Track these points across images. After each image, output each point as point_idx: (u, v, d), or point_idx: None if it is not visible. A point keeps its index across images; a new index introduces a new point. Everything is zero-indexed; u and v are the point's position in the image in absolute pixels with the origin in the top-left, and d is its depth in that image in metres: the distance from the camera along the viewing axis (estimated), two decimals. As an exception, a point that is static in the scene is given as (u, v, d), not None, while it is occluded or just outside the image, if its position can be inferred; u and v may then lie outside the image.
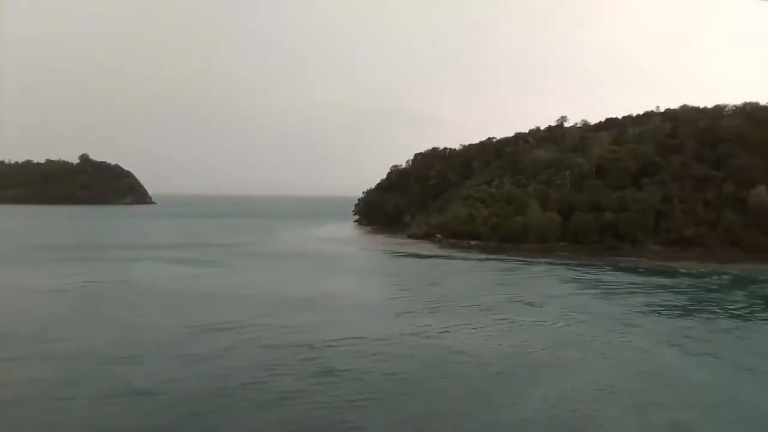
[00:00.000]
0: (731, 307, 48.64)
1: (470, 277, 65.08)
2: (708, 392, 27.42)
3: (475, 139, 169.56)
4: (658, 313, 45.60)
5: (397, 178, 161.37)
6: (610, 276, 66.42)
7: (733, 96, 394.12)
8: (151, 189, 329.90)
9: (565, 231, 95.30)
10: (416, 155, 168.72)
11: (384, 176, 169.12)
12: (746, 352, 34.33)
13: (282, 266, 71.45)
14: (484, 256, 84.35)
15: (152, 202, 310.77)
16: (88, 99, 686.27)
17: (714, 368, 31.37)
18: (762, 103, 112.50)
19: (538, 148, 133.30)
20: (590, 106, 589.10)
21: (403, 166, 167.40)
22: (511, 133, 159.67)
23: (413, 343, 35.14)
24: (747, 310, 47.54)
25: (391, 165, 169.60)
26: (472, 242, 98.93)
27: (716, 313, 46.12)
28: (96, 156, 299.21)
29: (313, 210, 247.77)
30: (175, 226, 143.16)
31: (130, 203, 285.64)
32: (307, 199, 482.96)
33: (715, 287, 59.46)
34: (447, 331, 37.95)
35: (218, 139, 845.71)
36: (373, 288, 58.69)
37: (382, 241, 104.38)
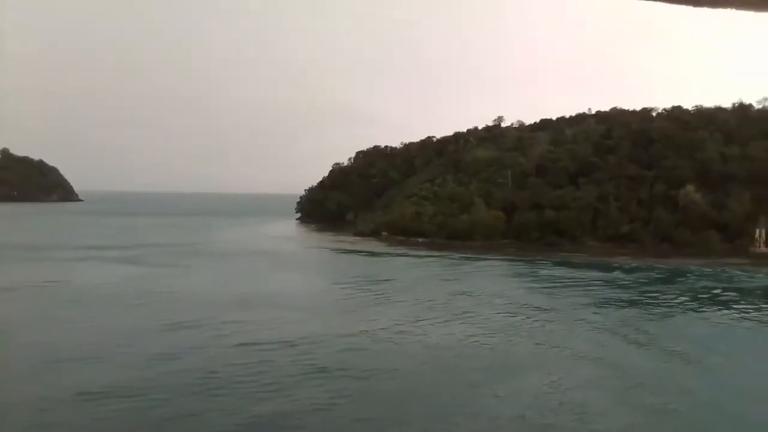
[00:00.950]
0: (662, 298, 52.04)
1: (418, 273, 66.20)
2: (637, 372, 29.98)
3: (413, 138, 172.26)
4: (596, 304, 48.32)
5: (339, 176, 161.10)
6: (551, 271, 69.10)
7: (658, 100, 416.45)
8: (77, 185, 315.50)
9: (509, 228, 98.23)
10: (358, 153, 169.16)
11: (325, 174, 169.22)
12: (675, 338, 37.23)
13: (233, 266, 70.14)
14: (431, 253, 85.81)
15: (79, 200, 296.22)
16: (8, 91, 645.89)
17: (643, 352, 34.41)
18: (686, 107, 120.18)
19: (478, 148, 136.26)
20: (523, 107, 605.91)
21: (346, 163, 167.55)
22: (448, 132, 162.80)
23: (364, 339, 35.86)
24: (676, 301, 50.89)
25: (332, 162, 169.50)
26: (419, 240, 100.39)
27: (648, 304, 49.42)
28: (17, 151, 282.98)
29: (254, 207, 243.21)
30: (111, 224, 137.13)
31: (56, 200, 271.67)
32: (247, 197, 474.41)
33: (647, 281, 62.87)
34: (397, 326, 39.01)
35: (155, 136, 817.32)
36: (324, 286, 58.47)
37: (330, 239, 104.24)
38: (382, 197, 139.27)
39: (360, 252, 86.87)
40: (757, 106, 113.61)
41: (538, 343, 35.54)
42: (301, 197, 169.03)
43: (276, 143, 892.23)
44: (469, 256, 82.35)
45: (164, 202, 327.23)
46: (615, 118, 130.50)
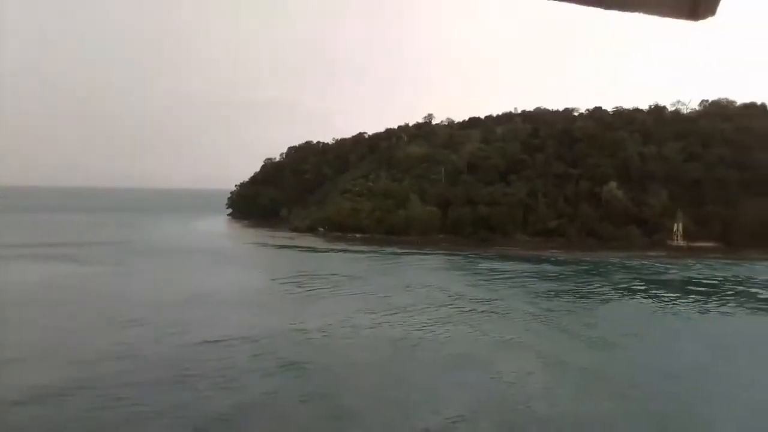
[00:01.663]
0: (588, 288, 55.21)
1: (359, 268, 66.50)
2: (567, 357, 32.34)
3: (344, 134, 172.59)
4: (528, 295, 50.85)
5: (271, 172, 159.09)
6: (486, 264, 71.18)
7: (578, 100, 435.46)
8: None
9: (444, 224, 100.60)
10: (290, 148, 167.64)
11: (255, 169, 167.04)
12: (593, 324, 40.47)
13: (173, 263, 67.60)
14: (370, 248, 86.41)
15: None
16: None
17: (570, 338, 37.01)
18: (605, 107, 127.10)
19: (410, 145, 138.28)
20: (451, 105, 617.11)
21: (277, 159, 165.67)
22: (379, 129, 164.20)
23: (313, 334, 36.18)
24: (602, 291, 54.23)
25: (260, 158, 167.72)
26: (357, 235, 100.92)
27: (576, 294, 52.31)
28: None
29: (180, 203, 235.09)
30: (37, 221, 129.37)
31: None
32: (169, 192, 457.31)
33: (574, 273, 65.93)
34: (343, 320, 39.64)
35: (78, 129, 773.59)
36: (268, 282, 57.45)
37: (267, 236, 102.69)
38: (316, 193, 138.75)
39: (299, 248, 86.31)
40: (670, 108, 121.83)
41: (477, 333, 37.26)
42: (231, 193, 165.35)
43: (200, 138, 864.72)
44: (406, 250, 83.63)
45: (83, 197, 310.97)
46: (540, 118, 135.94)
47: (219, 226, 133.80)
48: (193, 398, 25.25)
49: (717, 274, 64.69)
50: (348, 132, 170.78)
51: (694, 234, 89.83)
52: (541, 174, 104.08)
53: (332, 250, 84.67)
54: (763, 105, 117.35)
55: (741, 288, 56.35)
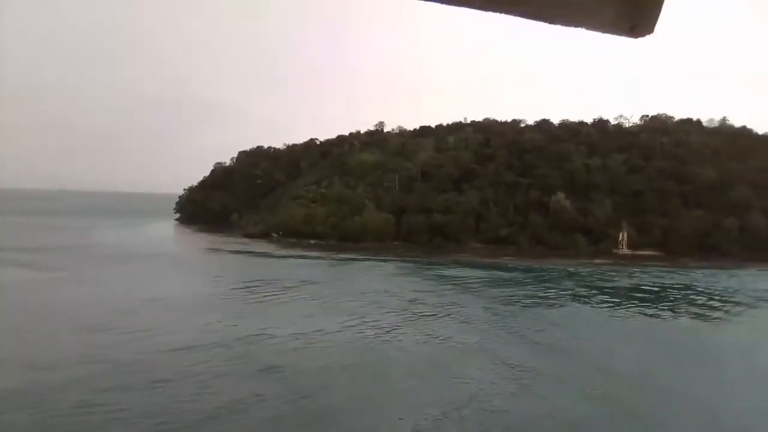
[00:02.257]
0: (540, 295, 57.14)
1: (317, 273, 66.57)
2: (519, 361, 33.81)
3: (291, 140, 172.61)
4: (482, 301, 52.61)
5: (221, 176, 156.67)
6: (441, 271, 72.51)
7: (523, 112, 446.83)
8: None
9: (399, 231, 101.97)
10: (240, 153, 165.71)
11: (204, 174, 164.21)
12: (548, 328, 42.39)
13: (128, 269, 65.99)
14: (325, 254, 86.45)
15: None
16: None
17: (523, 343, 38.39)
18: (551, 119, 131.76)
19: (363, 152, 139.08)
20: (398, 114, 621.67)
21: (228, 163, 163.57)
22: (329, 135, 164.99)
23: (281, 339, 36.53)
24: (552, 297, 56.25)
25: (205, 162, 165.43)
26: (312, 241, 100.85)
27: (527, 300, 53.98)
28: None
29: (128, 207, 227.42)
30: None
31: None
32: (116, 195, 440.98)
33: (526, 279, 67.91)
34: (305, 326, 39.94)
35: (23, 130, 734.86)
36: (227, 288, 56.30)
37: (220, 241, 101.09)
38: (268, 198, 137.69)
39: (255, 253, 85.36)
40: (613, 121, 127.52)
41: (433, 338, 38.33)
42: (180, 197, 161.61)
43: (142, 141, 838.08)
44: (362, 257, 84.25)
45: (22, 198, 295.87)
46: (490, 128, 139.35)
47: (168, 230, 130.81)
48: (169, 401, 25.41)
49: (663, 281, 68.16)
50: (297, 138, 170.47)
51: (636, 243, 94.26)
52: (493, 183, 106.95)
53: (291, 256, 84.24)
54: (698, 121, 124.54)
55: (684, 294, 59.92)
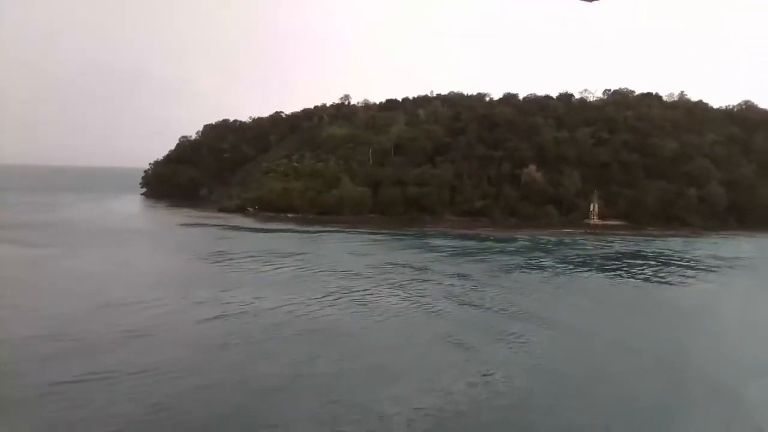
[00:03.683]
0: (519, 263, 59.95)
1: (310, 247, 67.47)
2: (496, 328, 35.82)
3: (253, 113, 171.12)
4: (451, 265, 56.41)
5: (188, 150, 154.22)
6: (420, 242, 75.04)
7: (488, 86, 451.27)
8: None
9: (375, 204, 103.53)
10: (206, 126, 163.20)
11: (168, 147, 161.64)
12: (529, 293, 45.06)
13: (115, 246, 65.09)
14: (308, 228, 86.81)
15: None
16: None
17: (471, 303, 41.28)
18: (515, 93, 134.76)
19: (332, 125, 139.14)
20: (362, 86, 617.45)
21: (193, 137, 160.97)
22: (288, 110, 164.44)
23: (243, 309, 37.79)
24: (515, 263, 59.43)
25: (165, 136, 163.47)
26: (290, 215, 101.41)
27: (504, 268, 56.47)
28: None
29: (87, 182, 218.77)
30: None
31: None
32: (71, 170, 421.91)
33: (503, 249, 70.26)
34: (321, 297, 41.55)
35: None
36: (220, 263, 56.49)
37: (196, 216, 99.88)
38: (237, 172, 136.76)
39: (240, 228, 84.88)
40: (577, 95, 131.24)
41: (420, 302, 41.10)
42: (145, 171, 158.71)
43: (98, 114, 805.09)
44: (342, 230, 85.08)
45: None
46: (458, 102, 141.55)
47: (138, 205, 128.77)
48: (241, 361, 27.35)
49: (634, 249, 72.27)
50: (261, 112, 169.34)
51: (603, 213, 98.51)
52: (465, 156, 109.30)
53: (268, 230, 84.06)
54: (657, 95, 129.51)
55: (655, 260, 63.78)
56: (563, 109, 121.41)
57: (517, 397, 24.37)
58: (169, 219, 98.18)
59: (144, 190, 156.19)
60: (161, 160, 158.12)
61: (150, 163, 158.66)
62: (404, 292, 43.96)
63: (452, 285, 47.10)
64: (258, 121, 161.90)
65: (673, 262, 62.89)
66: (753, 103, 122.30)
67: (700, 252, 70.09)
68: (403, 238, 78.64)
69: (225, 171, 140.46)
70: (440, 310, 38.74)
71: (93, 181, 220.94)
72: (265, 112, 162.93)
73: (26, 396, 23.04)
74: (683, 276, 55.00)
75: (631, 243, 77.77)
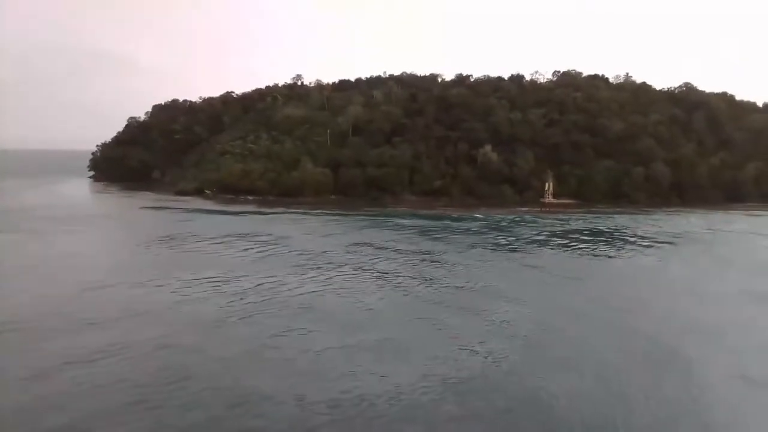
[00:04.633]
0: (465, 239, 63.46)
1: (284, 228, 68.20)
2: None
3: (199, 93, 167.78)
4: (416, 244, 59.14)
5: (137, 132, 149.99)
6: (378, 221, 76.67)
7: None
8: None
9: (336, 185, 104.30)
10: (155, 107, 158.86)
11: (102, 130, 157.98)
12: (495, 270, 48.25)
13: (78, 232, 63.95)
14: (271, 209, 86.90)
15: None
16: None
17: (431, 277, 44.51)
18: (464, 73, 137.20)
19: (287, 106, 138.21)
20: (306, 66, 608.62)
21: (143, 118, 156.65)
22: (238, 89, 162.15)
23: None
24: (476, 241, 62.37)
25: (114, 117, 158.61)
26: (250, 197, 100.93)
27: (467, 245, 59.72)
28: None
29: (28, 167, 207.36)
30: None
31: None
32: (11, 154, 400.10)
33: (457, 226, 73.48)
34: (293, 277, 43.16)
35: None
36: (211, 245, 56.76)
37: (155, 199, 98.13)
38: (191, 154, 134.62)
39: (203, 211, 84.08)
40: (528, 77, 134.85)
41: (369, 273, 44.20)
42: (93, 154, 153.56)
43: (31, 93, 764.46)
44: (306, 211, 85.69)
45: None
46: (411, 83, 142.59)
47: (87, 189, 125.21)
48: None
49: (594, 226, 76.22)
50: (208, 92, 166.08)
51: (555, 191, 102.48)
52: (423, 137, 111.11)
53: (244, 212, 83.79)
54: (604, 77, 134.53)
55: (610, 235, 67.73)
56: (515, 91, 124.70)
57: (493, 361, 27.76)
58: (128, 203, 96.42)
59: (92, 173, 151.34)
60: (109, 142, 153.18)
61: (97, 145, 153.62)
62: (371, 271, 46.03)
63: (419, 263, 49.53)
64: (209, 102, 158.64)
65: (623, 237, 67.57)
66: (692, 85, 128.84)
67: (647, 228, 74.35)
68: (367, 218, 79.93)
69: (178, 153, 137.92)
70: (409, 287, 41.06)
71: (35, 166, 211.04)
72: (216, 92, 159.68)
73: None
74: (631, 250, 59.78)
75: (583, 220, 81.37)
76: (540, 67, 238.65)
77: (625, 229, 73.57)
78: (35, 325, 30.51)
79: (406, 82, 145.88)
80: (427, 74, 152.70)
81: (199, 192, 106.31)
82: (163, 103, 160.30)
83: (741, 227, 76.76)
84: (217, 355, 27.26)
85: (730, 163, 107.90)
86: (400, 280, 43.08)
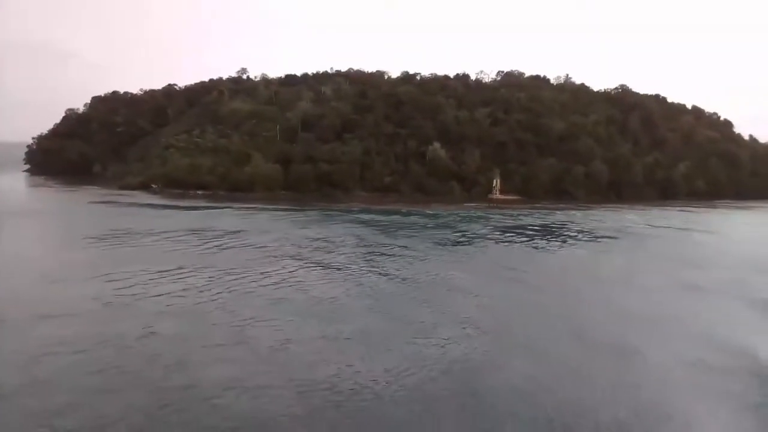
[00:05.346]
0: (417, 234, 65.38)
1: (237, 223, 67.68)
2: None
3: (138, 85, 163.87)
4: (361, 239, 60.07)
5: (76, 124, 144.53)
6: (330, 217, 77.32)
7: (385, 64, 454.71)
8: None
9: (287, 180, 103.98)
10: (94, 98, 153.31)
11: (32, 122, 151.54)
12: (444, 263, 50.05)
13: (34, 228, 62.07)
14: (221, 204, 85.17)
15: None
16: None
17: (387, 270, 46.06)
18: (422, 72, 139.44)
19: (234, 100, 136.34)
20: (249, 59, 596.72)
21: (81, 110, 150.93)
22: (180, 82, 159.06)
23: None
24: (428, 236, 64.47)
25: (45, 109, 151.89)
26: (199, 192, 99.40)
27: (417, 240, 60.86)
28: None
29: None
30: None
31: None
32: None
33: (409, 222, 75.14)
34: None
35: None
36: (174, 242, 55.36)
37: (99, 194, 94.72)
38: (134, 148, 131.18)
39: (154, 206, 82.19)
40: (473, 76, 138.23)
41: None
42: (29, 146, 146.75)
43: None
44: (258, 206, 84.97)
45: None
46: (359, 79, 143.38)
47: (24, 184, 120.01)
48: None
49: (538, 221, 79.22)
50: (144, 84, 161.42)
51: (501, 188, 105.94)
52: (373, 134, 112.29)
53: (195, 207, 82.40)
54: (546, 77, 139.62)
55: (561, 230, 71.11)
56: (462, 90, 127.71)
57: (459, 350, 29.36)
58: (72, 197, 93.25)
59: (28, 167, 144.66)
60: (47, 134, 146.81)
61: (33, 138, 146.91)
62: (329, 265, 47.03)
63: (376, 257, 50.79)
64: (151, 94, 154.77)
65: (566, 232, 70.75)
66: (628, 87, 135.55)
67: (588, 223, 78.36)
68: (320, 213, 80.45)
69: (120, 146, 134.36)
70: (368, 281, 42.21)
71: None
72: (157, 85, 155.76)
73: None
74: (574, 244, 63.22)
75: (529, 216, 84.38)
76: (484, 67, 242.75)
77: (569, 224, 77.16)
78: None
79: (353, 78, 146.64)
80: (375, 71, 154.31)
81: (144, 187, 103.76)
82: (102, 95, 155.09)
83: (675, 223, 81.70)
84: (173, 350, 27.55)
85: (663, 163, 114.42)
86: (358, 273, 44.14)
